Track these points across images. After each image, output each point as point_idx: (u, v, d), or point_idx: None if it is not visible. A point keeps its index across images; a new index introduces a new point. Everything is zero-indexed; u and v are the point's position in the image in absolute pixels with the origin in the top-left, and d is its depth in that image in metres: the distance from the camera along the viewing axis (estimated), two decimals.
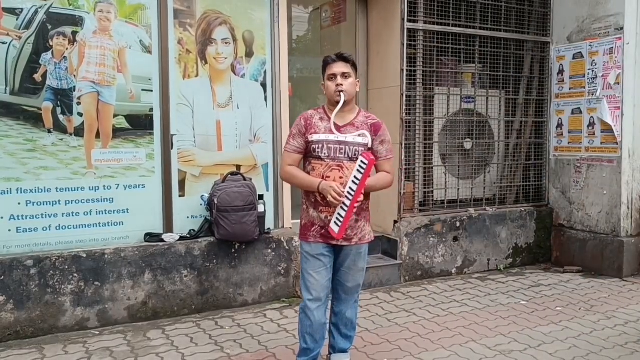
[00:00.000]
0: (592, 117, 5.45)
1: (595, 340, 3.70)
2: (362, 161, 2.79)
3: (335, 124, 2.90)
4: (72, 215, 3.95)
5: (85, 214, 3.99)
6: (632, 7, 5.14)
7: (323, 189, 2.81)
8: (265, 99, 4.60)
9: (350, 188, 2.79)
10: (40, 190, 3.84)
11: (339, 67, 2.91)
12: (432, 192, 5.39)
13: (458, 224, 5.32)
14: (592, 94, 5.42)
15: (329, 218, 2.88)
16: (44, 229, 3.86)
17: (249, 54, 4.53)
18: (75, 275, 3.83)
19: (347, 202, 2.79)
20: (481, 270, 5.47)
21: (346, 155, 2.88)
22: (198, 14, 4.33)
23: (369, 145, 2.93)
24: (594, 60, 5.41)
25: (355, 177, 2.80)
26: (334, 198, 2.77)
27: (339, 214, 2.83)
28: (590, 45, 5.44)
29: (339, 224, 2.83)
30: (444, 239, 5.25)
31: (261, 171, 4.60)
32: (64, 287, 3.80)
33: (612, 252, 5.26)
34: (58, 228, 3.90)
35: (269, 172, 4.63)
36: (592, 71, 5.42)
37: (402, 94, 5.02)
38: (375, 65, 5.44)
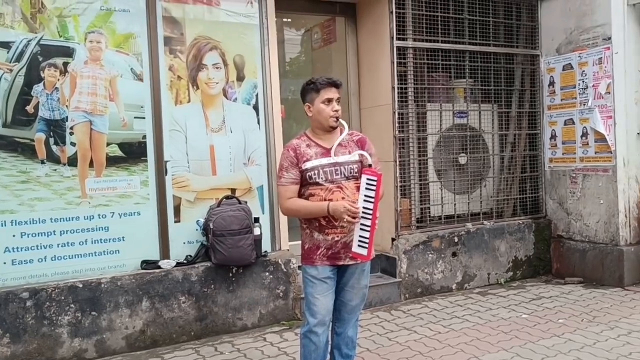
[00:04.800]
0: (584, 127, 5.46)
1: (599, 351, 3.67)
2: (368, 178, 2.75)
3: (324, 147, 2.91)
4: (68, 245, 3.93)
5: (81, 243, 3.97)
6: (619, 17, 5.18)
7: (334, 211, 2.76)
8: (258, 122, 4.62)
9: (365, 207, 2.74)
10: (34, 222, 3.83)
11: (334, 93, 2.93)
12: (429, 208, 5.38)
13: (456, 239, 5.30)
14: (584, 104, 5.44)
15: (336, 239, 2.86)
16: (40, 260, 3.84)
17: (240, 78, 4.56)
18: (72, 305, 3.80)
19: (367, 222, 2.74)
20: (481, 285, 5.43)
21: (343, 176, 2.88)
22: (188, 41, 4.36)
23: (363, 160, 2.93)
24: (583, 71, 5.44)
25: (367, 195, 2.75)
26: (351, 218, 2.73)
27: (361, 236, 2.76)
28: (579, 56, 5.48)
29: (365, 245, 2.75)
30: (442, 255, 5.22)
31: (256, 194, 4.60)
32: (60, 318, 3.77)
33: (612, 261, 5.23)
34: (54, 259, 3.89)
35: (264, 195, 4.63)
36: (583, 81, 5.46)
37: (394, 112, 5.05)
38: (366, 84, 5.47)
